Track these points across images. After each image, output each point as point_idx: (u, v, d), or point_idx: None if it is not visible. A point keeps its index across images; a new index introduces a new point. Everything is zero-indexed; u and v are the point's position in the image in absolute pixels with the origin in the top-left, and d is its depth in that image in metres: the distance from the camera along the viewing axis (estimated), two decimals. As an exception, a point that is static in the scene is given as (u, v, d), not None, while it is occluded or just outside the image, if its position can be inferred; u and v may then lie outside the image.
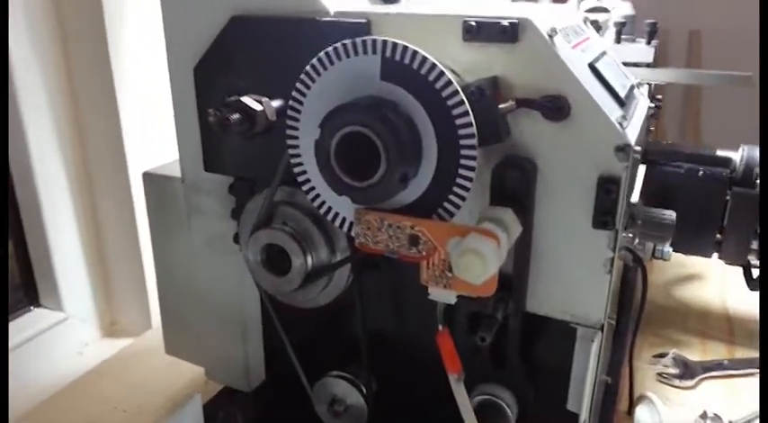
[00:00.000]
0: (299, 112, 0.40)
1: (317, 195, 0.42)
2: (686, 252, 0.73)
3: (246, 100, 0.39)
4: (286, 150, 0.42)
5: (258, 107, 0.39)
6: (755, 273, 0.74)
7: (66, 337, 0.82)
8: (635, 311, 0.56)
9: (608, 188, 0.39)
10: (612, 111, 0.40)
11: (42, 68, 0.74)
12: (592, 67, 0.43)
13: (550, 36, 0.39)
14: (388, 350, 0.51)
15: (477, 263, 0.34)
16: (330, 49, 0.38)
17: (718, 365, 0.72)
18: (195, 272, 0.59)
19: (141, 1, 0.76)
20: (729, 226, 0.71)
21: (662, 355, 0.73)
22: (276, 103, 0.41)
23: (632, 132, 0.41)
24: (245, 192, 0.50)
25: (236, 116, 0.38)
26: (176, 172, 0.57)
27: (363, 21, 0.42)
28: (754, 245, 0.71)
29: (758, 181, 0.71)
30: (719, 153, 0.75)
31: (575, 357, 0.45)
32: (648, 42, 0.71)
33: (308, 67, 0.39)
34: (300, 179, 0.42)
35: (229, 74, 0.48)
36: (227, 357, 0.60)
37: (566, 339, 0.44)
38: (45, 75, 0.75)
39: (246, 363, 0.60)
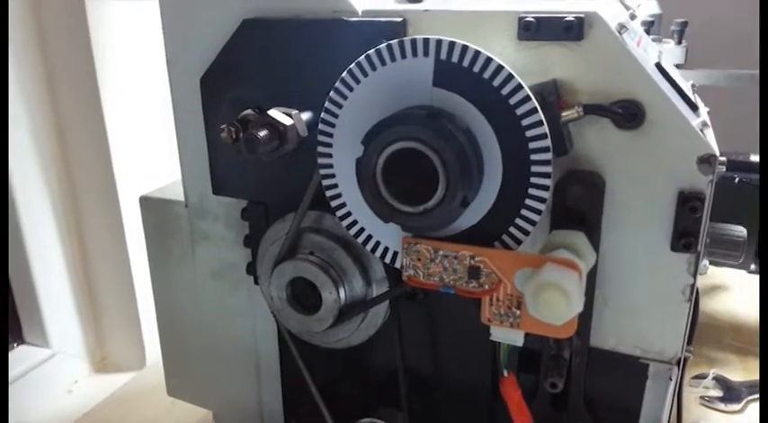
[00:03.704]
0: (332, 125, 0.35)
1: (354, 222, 0.36)
2: (724, 264, 0.69)
3: (274, 113, 0.34)
4: (316, 171, 0.36)
5: (288, 121, 0.34)
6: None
7: (54, 374, 0.75)
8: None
9: (693, 206, 0.34)
10: (690, 117, 0.35)
11: (20, 83, 0.68)
12: (659, 67, 0.38)
13: (620, 33, 0.34)
14: (424, 392, 0.45)
15: (559, 300, 0.29)
16: (372, 52, 0.33)
17: (762, 385, 0.67)
18: (201, 305, 0.53)
19: (127, 7, 0.70)
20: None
21: (701, 376, 0.69)
22: (305, 116, 0.35)
23: (713, 141, 0.36)
24: (261, 217, 0.45)
25: (263, 133, 0.33)
26: (178, 195, 0.51)
27: (398, 20, 0.37)
28: (794, 255, 0.67)
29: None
30: (753, 158, 0.71)
31: (646, 397, 0.40)
32: (679, 42, 0.66)
33: (344, 74, 0.34)
34: (334, 203, 0.36)
35: (242, 84, 0.42)
36: (239, 400, 0.54)
37: (634, 376, 0.39)
38: (24, 90, 0.68)
39: (260, 405, 0.54)
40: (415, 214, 0.31)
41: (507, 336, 0.33)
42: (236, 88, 0.43)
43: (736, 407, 0.64)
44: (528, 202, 0.32)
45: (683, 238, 0.35)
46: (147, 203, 0.53)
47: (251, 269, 0.47)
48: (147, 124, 0.73)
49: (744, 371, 0.71)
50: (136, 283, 0.76)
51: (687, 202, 0.34)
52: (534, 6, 0.36)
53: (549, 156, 0.31)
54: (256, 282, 0.46)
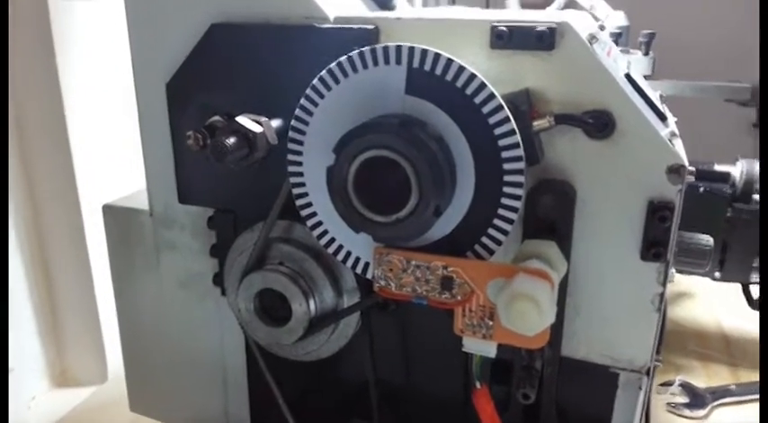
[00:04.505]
0: (303, 133, 0.34)
1: (325, 231, 0.35)
2: (690, 272, 0.70)
3: (243, 120, 0.33)
4: (286, 179, 0.35)
5: (257, 129, 0.33)
6: (755, 292, 0.71)
7: (11, 390, 0.72)
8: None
9: (662, 215, 0.34)
10: (659, 127, 0.36)
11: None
12: (629, 77, 0.38)
13: (590, 43, 0.34)
14: (396, 403, 0.44)
15: (531, 310, 0.29)
16: (343, 59, 0.32)
17: (726, 391, 0.68)
18: (166, 317, 0.51)
19: (92, 8, 0.68)
20: (732, 244, 0.68)
21: (668, 384, 0.70)
22: (275, 124, 0.34)
23: (682, 151, 0.36)
24: (228, 226, 0.44)
25: (232, 140, 0.32)
26: (142, 204, 0.49)
27: (371, 27, 0.37)
28: (756, 262, 0.68)
29: (756, 196, 0.69)
30: (718, 168, 0.72)
31: (616, 406, 0.40)
32: (646, 53, 0.68)
33: (315, 81, 0.33)
34: (304, 213, 0.35)
35: (209, 90, 0.41)
36: (205, 415, 0.53)
37: (605, 386, 0.39)
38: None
39: (227, 420, 0.52)
40: (388, 224, 0.31)
41: (480, 347, 0.32)
42: (204, 94, 0.42)
43: (702, 413, 0.65)
44: (500, 211, 0.32)
45: (653, 248, 0.35)
46: (111, 212, 0.51)
47: (218, 280, 0.46)
48: (111, 130, 0.72)
49: (707, 377, 0.72)
50: (97, 294, 0.74)
51: (657, 212, 0.34)
52: (506, 16, 0.36)
53: (521, 165, 0.31)
54: (224, 293, 0.45)
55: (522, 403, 0.38)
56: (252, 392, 0.49)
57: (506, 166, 0.31)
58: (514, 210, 0.31)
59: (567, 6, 0.81)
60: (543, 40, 0.34)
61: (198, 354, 0.51)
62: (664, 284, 0.36)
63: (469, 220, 0.32)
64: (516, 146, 0.30)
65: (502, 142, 0.30)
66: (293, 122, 0.34)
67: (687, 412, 0.66)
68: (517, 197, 0.31)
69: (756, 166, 0.70)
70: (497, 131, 0.30)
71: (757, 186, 0.68)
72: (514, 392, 0.36)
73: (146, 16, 0.43)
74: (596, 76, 0.34)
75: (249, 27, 0.40)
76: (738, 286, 0.70)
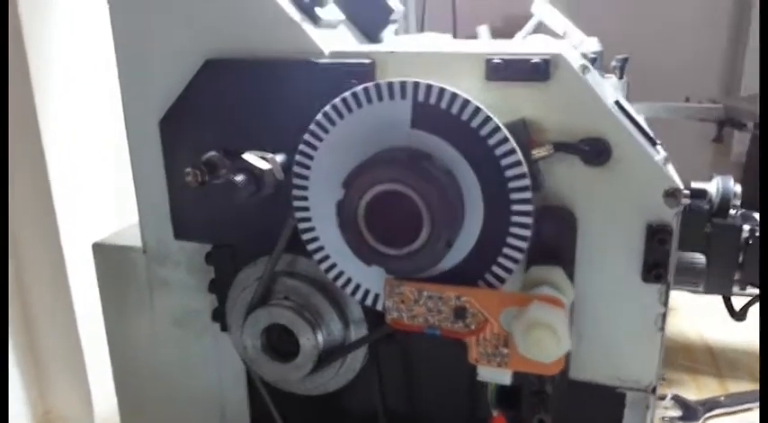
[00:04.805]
0: (307, 167, 0.34)
1: (333, 265, 0.35)
2: (675, 288, 0.72)
3: (250, 157, 0.33)
4: (291, 214, 0.35)
5: (265, 166, 0.33)
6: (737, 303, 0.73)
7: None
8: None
9: (661, 238, 0.35)
10: (652, 152, 0.37)
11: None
12: (618, 105, 0.39)
13: (583, 73, 0.36)
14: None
15: (549, 338, 0.29)
16: (348, 94, 0.32)
17: (716, 403, 0.70)
18: (161, 355, 0.50)
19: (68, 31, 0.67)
20: (712, 258, 0.70)
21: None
22: (279, 159, 0.35)
23: (675, 175, 0.37)
24: (227, 261, 0.43)
25: (241, 178, 0.32)
26: (133, 240, 0.49)
27: (367, 61, 0.37)
28: (737, 275, 0.70)
29: (732, 211, 0.71)
30: (694, 185, 0.74)
31: (623, 426, 0.40)
32: (620, 77, 0.70)
33: (319, 117, 0.33)
34: (311, 247, 0.35)
35: (205, 126, 0.41)
36: (204, 453, 0.51)
37: (613, 406, 0.40)
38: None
39: (227, 458, 0.51)
40: (400, 257, 0.31)
41: (495, 375, 0.33)
42: (199, 130, 0.42)
43: (695, 425, 0.67)
44: (510, 240, 0.32)
45: (654, 270, 0.36)
46: (101, 250, 0.50)
47: (217, 316, 0.45)
48: (93, 166, 0.71)
49: (697, 389, 0.73)
50: (81, 331, 0.72)
51: (656, 235, 0.35)
52: (499, 48, 0.37)
53: (528, 194, 0.31)
54: (223, 329, 0.45)
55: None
56: (253, 429, 0.49)
57: (514, 196, 0.31)
58: (524, 238, 0.32)
59: (536, 32, 0.83)
60: (538, 72, 0.35)
61: (195, 391, 0.50)
62: (665, 304, 0.37)
63: (480, 250, 0.33)
64: (523, 176, 0.31)
65: (509, 173, 0.31)
66: (298, 157, 0.34)
67: (681, 426, 0.67)
68: (526, 226, 0.32)
69: (730, 182, 0.72)
70: (504, 162, 0.31)
71: (733, 202, 0.70)
72: (529, 418, 0.36)
73: (137, 53, 0.43)
74: (590, 105, 0.35)
75: (244, 63, 0.40)
76: (719, 298, 0.72)
